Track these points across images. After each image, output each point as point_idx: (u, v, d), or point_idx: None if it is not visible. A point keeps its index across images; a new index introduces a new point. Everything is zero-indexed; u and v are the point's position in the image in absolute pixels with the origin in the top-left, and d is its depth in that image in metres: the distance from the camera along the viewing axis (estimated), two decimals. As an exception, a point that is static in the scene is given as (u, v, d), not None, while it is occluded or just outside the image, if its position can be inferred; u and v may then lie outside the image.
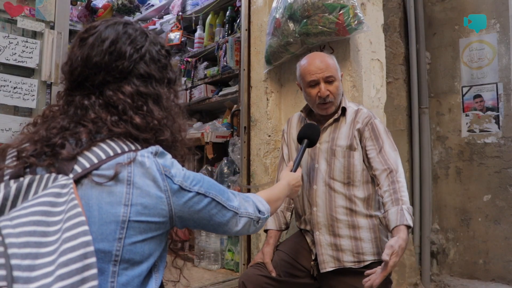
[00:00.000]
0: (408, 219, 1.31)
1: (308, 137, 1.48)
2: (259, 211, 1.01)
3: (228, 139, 3.00)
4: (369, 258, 1.49)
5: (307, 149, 1.53)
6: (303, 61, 1.62)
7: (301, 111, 1.72)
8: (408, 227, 1.31)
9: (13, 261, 0.59)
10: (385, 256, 1.20)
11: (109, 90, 0.83)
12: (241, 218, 0.94)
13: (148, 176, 0.77)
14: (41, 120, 0.84)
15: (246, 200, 0.99)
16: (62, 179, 0.71)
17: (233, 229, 0.93)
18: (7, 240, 0.60)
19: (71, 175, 0.73)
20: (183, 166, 0.86)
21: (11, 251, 0.60)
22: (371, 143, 1.51)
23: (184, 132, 0.93)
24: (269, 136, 2.44)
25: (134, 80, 0.85)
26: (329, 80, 1.55)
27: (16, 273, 0.59)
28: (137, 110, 0.82)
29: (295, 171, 1.40)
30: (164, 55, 0.92)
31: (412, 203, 2.98)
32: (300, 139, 1.51)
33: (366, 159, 1.53)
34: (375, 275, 1.22)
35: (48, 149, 0.76)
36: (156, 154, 0.80)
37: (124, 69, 0.84)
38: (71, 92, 0.86)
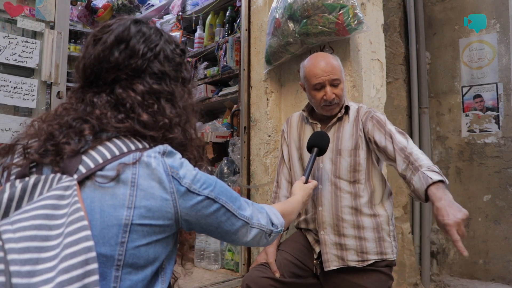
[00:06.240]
0: (431, 176, 1.25)
1: (318, 145, 1.46)
2: (273, 224, 0.96)
3: (228, 139, 3.00)
4: (373, 257, 1.50)
5: (308, 150, 1.52)
6: (308, 62, 1.60)
7: (303, 110, 1.71)
8: (438, 182, 1.24)
9: (12, 268, 0.58)
10: (455, 237, 1.09)
11: (119, 88, 0.81)
12: (252, 229, 0.90)
13: (154, 177, 0.74)
14: (52, 117, 0.82)
15: (260, 211, 0.95)
16: (65, 180, 0.69)
17: (243, 239, 0.90)
18: (7, 246, 0.59)
19: (75, 176, 0.71)
20: (195, 166, 0.83)
21: (10, 257, 0.58)
22: (379, 134, 1.49)
23: (197, 131, 0.91)
24: (269, 136, 2.44)
25: (147, 78, 0.83)
26: (334, 84, 1.53)
27: (15, 280, 0.57)
28: (147, 108, 0.80)
29: (306, 182, 1.38)
30: (178, 53, 0.91)
31: (412, 203, 2.98)
32: (309, 148, 1.49)
33: (377, 149, 1.50)
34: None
35: (52, 147, 0.75)
36: (164, 153, 0.77)
37: (138, 67, 0.83)
38: (84, 90, 0.85)
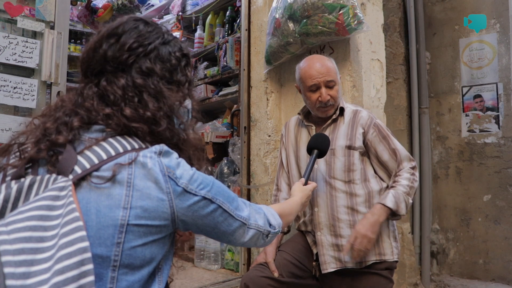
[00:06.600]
0: (388, 200, 1.44)
1: (318, 147, 1.47)
2: (270, 225, 0.96)
3: (228, 139, 3.00)
4: (371, 258, 1.49)
5: (306, 150, 1.52)
6: (303, 64, 1.61)
7: (298, 113, 1.72)
8: (385, 206, 1.44)
9: (7, 269, 0.57)
10: (346, 244, 1.44)
11: (104, 81, 0.82)
12: (250, 229, 0.90)
13: (150, 177, 0.73)
14: (49, 112, 0.83)
15: (257, 211, 0.94)
16: (60, 181, 0.69)
17: (240, 240, 0.89)
18: (1, 247, 0.58)
19: (70, 176, 0.71)
20: (192, 166, 0.82)
21: (4, 258, 0.58)
22: (382, 147, 1.55)
23: (190, 131, 0.89)
24: (269, 136, 2.44)
25: (132, 73, 0.83)
26: (330, 85, 1.54)
27: (9, 282, 0.57)
28: (128, 102, 0.80)
29: (306, 183, 1.39)
30: (177, 57, 0.90)
31: (412, 204, 2.97)
32: (309, 150, 1.49)
33: (377, 161, 1.57)
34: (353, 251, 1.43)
35: (46, 146, 0.75)
36: (160, 153, 0.76)
37: (124, 61, 0.82)
38: (80, 82, 0.86)
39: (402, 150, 1.55)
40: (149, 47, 0.85)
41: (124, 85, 0.81)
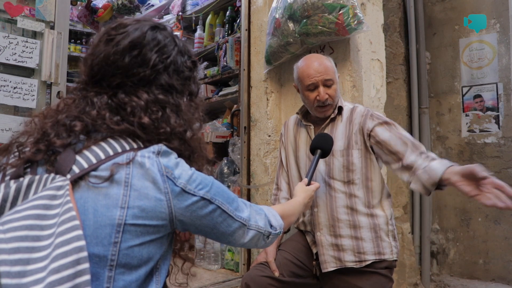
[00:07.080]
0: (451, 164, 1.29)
1: (321, 147, 1.45)
2: (271, 226, 0.96)
3: (228, 139, 3.00)
4: (370, 257, 1.49)
5: (305, 151, 1.51)
6: (301, 63, 1.60)
7: (297, 113, 1.71)
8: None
9: (2, 268, 0.58)
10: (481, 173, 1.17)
11: (123, 93, 0.80)
12: (250, 230, 0.89)
13: (148, 177, 0.73)
14: (52, 113, 0.82)
15: (258, 212, 0.94)
16: (58, 180, 0.69)
17: (239, 240, 0.88)
18: None
19: (68, 176, 0.71)
20: (192, 166, 0.82)
21: (0, 257, 0.58)
22: (381, 128, 1.48)
23: (203, 145, 0.90)
24: (269, 136, 2.44)
25: (153, 88, 0.82)
26: (328, 84, 1.53)
27: (4, 281, 0.57)
28: (150, 114, 0.79)
29: (309, 183, 1.37)
30: (189, 67, 0.89)
31: (412, 203, 2.98)
32: (312, 150, 1.47)
33: (377, 144, 1.48)
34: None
35: (45, 147, 0.75)
36: (159, 153, 0.76)
37: (145, 77, 0.82)
38: (87, 87, 0.84)
39: (409, 135, 1.49)
40: (168, 61, 0.85)
41: (148, 99, 0.80)
